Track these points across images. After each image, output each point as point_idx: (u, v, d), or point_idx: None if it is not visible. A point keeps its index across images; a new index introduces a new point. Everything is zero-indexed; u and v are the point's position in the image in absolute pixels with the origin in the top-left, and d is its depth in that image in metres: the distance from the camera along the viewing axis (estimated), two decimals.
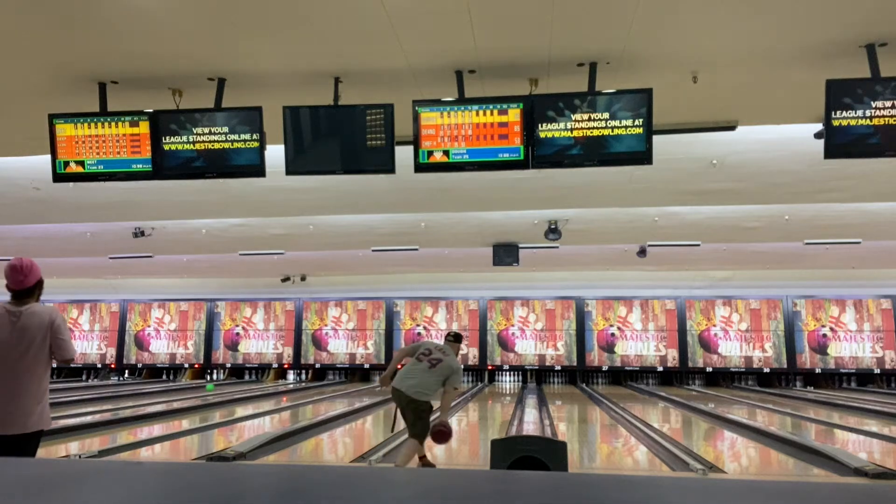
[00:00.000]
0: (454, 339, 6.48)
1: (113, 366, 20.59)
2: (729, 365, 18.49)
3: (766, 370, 18.34)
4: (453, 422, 9.98)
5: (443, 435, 5.91)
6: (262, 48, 5.06)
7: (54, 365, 3.75)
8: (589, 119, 5.20)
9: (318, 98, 5.50)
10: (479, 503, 0.35)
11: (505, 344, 19.23)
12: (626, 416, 10.83)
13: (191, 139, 5.61)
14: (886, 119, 4.89)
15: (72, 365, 3.80)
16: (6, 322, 3.63)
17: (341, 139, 5.50)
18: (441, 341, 6.45)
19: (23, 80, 5.67)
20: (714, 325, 18.69)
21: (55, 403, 10.24)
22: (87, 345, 20.85)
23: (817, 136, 5.54)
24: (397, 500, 0.36)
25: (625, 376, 18.75)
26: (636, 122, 5.16)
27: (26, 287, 3.73)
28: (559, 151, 5.28)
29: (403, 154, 5.48)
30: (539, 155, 5.29)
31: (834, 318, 18.35)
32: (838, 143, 4.97)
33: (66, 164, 5.80)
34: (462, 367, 6.32)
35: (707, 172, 8.15)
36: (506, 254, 12.98)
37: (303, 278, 18.81)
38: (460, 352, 18.95)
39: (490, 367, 19.11)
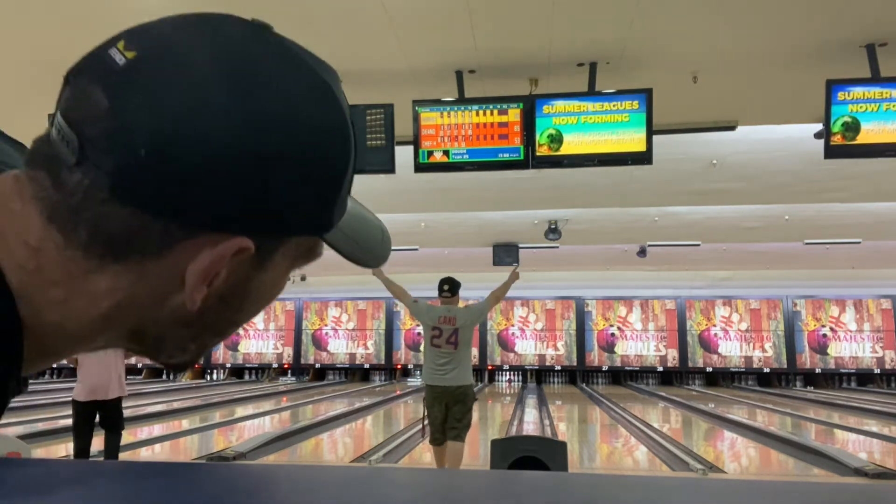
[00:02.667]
0: (450, 291, 5.78)
1: None
2: (729, 365, 18.50)
3: (766, 370, 18.34)
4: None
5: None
6: None
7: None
8: (589, 119, 5.20)
9: None
10: (479, 503, 0.34)
11: (505, 344, 19.24)
12: (626, 416, 10.83)
13: None
14: None
15: (72, 365, 5.93)
16: None
17: None
18: (438, 303, 5.80)
19: (23, 80, 5.67)
20: (714, 325, 18.69)
21: (52, 404, 10.25)
22: None
23: (817, 136, 5.54)
24: (397, 500, 0.36)
25: (625, 376, 18.75)
26: (636, 123, 5.15)
27: None
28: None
29: (403, 154, 5.47)
30: (539, 155, 5.29)
31: (834, 318, 18.35)
32: (838, 143, 4.97)
33: None
34: (468, 304, 5.82)
35: (707, 172, 8.14)
36: (506, 254, 12.99)
37: (303, 278, 18.80)
38: None
39: (490, 367, 19.11)
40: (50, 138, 0.49)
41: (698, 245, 12.87)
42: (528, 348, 19.16)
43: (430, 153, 5.38)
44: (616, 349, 18.86)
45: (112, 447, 5.69)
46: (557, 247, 12.55)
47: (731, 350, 18.57)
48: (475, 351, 19.12)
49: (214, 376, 20.23)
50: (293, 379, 19.64)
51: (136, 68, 0.47)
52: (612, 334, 18.95)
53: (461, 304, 5.98)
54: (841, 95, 4.86)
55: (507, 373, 19.25)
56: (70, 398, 5.83)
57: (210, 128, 0.46)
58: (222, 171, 0.46)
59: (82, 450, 5.60)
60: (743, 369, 18.45)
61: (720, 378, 18.47)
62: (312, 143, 0.49)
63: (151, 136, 0.45)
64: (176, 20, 0.50)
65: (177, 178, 0.45)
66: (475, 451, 7.32)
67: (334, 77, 0.53)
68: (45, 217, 0.47)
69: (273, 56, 0.49)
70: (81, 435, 5.57)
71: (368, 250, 0.59)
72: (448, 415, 5.58)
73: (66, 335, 0.50)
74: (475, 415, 11.90)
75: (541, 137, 5.19)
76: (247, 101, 0.47)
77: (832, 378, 18.16)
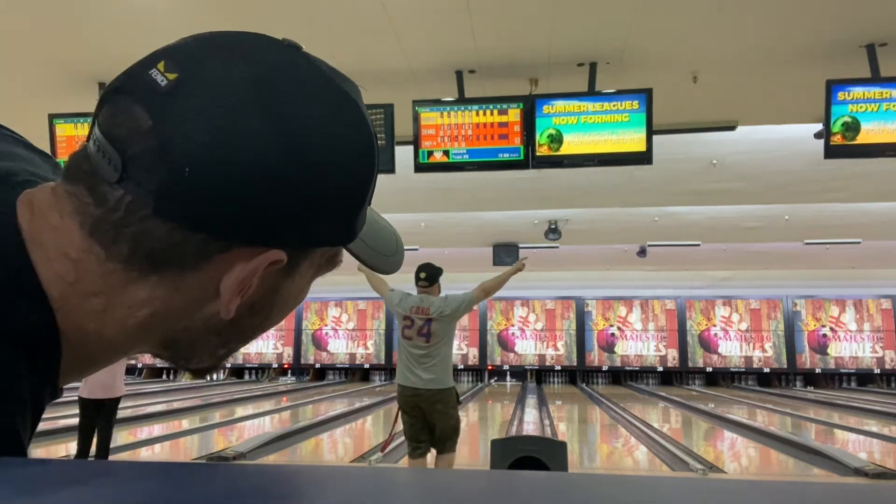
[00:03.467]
0: (427, 280, 4.99)
1: None
2: (729, 365, 18.49)
3: (766, 370, 18.34)
4: None
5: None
6: None
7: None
8: (589, 119, 5.21)
9: None
10: (479, 503, 0.34)
11: (505, 344, 19.23)
12: (626, 416, 10.83)
13: None
14: None
15: None
16: None
17: None
18: (413, 292, 5.13)
19: (23, 80, 5.67)
20: (714, 325, 18.69)
21: (53, 404, 10.28)
22: None
23: (817, 136, 5.54)
24: (397, 500, 0.36)
25: (625, 376, 18.75)
26: (636, 123, 5.16)
27: None
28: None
29: (403, 154, 5.47)
30: (539, 155, 5.29)
31: (834, 318, 18.35)
32: (838, 143, 4.98)
33: None
34: (448, 295, 4.93)
35: (707, 172, 8.15)
36: (506, 254, 12.99)
37: None
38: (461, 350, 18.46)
39: (490, 367, 19.11)
40: (88, 154, 0.51)
41: (698, 245, 12.87)
42: (528, 348, 19.16)
43: (430, 153, 5.38)
44: (616, 349, 18.86)
45: (103, 444, 5.96)
46: (557, 247, 12.55)
47: (731, 350, 18.57)
48: (475, 351, 19.09)
49: (214, 376, 20.22)
50: (293, 379, 19.64)
51: (177, 90, 0.48)
52: (612, 334, 18.95)
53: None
54: (841, 95, 4.87)
55: (507, 372, 19.24)
56: (69, 398, 5.93)
57: (247, 149, 0.48)
58: (258, 189, 0.48)
59: (84, 448, 5.89)
60: (743, 369, 18.45)
61: (720, 378, 18.47)
62: (341, 162, 0.52)
63: (193, 156, 0.47)
64: (211, 41, 0.52)
65: (216, 197, 0.47)
66: (475, 451, 7.32)
67: (358, 93, 0.55)
68: (87, 231, 0.49)
69: (304, 78, 0.52)
70: (85, 432, 5.89)
71: (385, 257, 0.62)
72: (427, 425, 4.80)
73: (104, 344, 0.52)
74: (475, 414, 11.81)
75: (541, 137, 5.19)
76: (280, 123, 0.49)
77: (832, 378, 18.16)
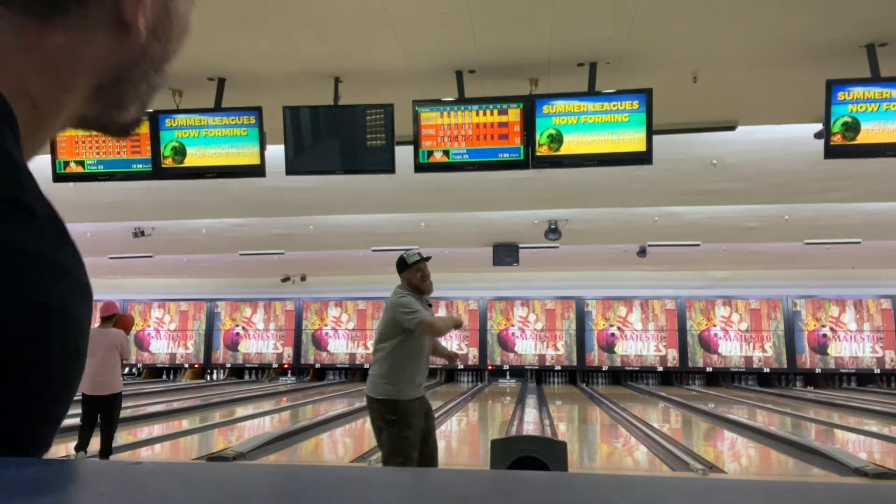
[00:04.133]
0: (399, 270, 4.66)
1: None
2: (729, 365, 18.48)
3: (766, 370, 18.33)
4: (453, 422, 9.98)
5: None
6: (263, 48, 5.06)
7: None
8: (589, 119, 5.21)
9: (318, 98, 5.50)
10: (478, 503, 0.34)
11: (505, 344, 19.22)
12: (626, 416, 10.83)
13: None
14: None
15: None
16: (97, 334, 6.34)
17: (341, 139, 5.49)
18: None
19: None
20: (714, 325, 18.68)
21: None
22: None
23: (817, 136, 5.54)
24: (397, 500, 0.36)
25: (625, 376, 18.74)
26: (636, 123, 5.16)
27: (105, 316, 6.71)
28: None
29: (403, 154, 5.48)
30: (539, 155, 5.29)
31: (834, 318, 18.34)
32: (838, 143, 4.98)
33: (66, 163, 5.80)
34: (404, 297, 4.45)
35: (707, 172, 8.15)
36: (506, 254, 12.99)
37: (303, 278, 18.80)
38: (461, 350, 18.34)
39: (490, 367, 19.10)
40: None
41: (698, 245, 12.88)
42: (528, 348, 19.14)
43: (430, 153, 5.38)
44: (616, 349, 18.84)
45: (106, 443, 6.26)
46: (557, 247, 12.55)
47: (731, 350, 18.55)
48: (475, 351, 19.07)
49: (214, 376, 20.23)
50: (293, 379, 19.63)
51: None
52: (612, 334, 18.94)
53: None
54: (841, 95, 4.87)
55: (507, 372, 19.24)
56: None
57: None
58: None
59: (83, 442, 6.24)
60: (743, 369, 18.44)
61: (720, 378, 18.45)
62: None
63: None
64: None
65: None
66: (475, 450, 7.31)
67: None
68: None
69: None
70: (84, 428, 6.23)
71: None
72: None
73: (44, 103, 0.53)
74: (475, 414, 11.74)
75: (541, 137, 5.19)
76: None
77: (832, 378, 18.15)
